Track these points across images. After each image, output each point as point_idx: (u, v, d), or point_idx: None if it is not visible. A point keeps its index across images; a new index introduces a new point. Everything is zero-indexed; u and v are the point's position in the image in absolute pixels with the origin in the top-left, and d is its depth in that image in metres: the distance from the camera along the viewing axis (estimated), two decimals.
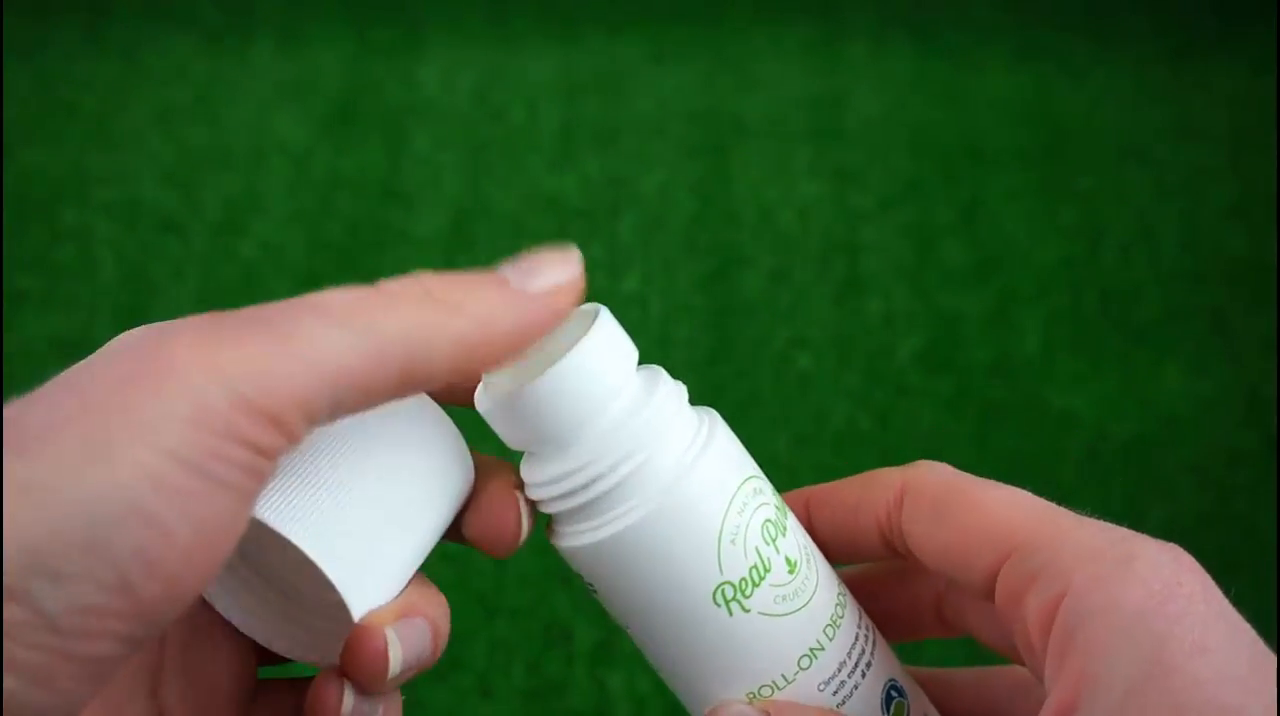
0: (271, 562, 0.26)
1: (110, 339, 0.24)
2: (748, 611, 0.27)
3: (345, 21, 0.84)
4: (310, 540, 0.23)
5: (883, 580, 0.31)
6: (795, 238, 0.74)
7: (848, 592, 0.29)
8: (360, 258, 0.73)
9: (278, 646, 0.27)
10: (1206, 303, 0.71)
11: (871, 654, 0.28)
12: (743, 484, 0.28)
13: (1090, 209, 0.76)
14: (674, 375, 0.29)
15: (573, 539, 0.28)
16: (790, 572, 0.28)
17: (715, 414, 0.29)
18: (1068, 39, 0.84)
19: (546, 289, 0.25)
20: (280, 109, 0.80)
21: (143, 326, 0.22)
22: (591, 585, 0.28)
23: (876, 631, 0.29)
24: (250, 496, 0.21)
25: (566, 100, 0.80)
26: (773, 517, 0.28)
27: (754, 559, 0.27)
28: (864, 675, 0.28)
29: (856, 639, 0.28)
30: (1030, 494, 0.27)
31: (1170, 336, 0.70)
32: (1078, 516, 0.26)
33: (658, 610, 0.28)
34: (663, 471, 0.27)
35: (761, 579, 0.27)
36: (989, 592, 0.26)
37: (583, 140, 0.78)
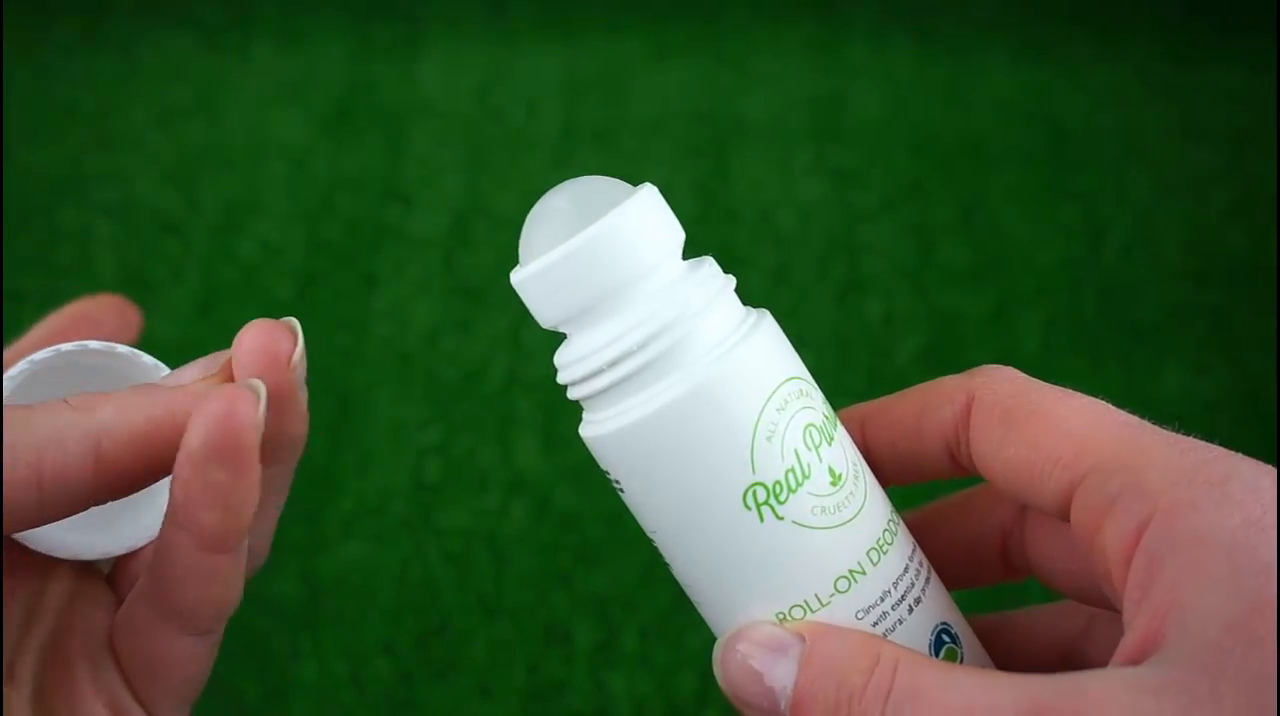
0: None
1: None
2: (781, 518, 0.25)
3: (345, 21, 0.84)
4: None
5: (943, 516, 0.29)
6: (795, 238, 0.74)
7: (901, 524, 0.27)
8: (360, 257, 0.73)
9: (101, 549, 0.28)
10: (1207, 303, 0.71)
11: (923, 590, 0.26)
12: (786, 382, 0.26)
13: (1090, 209, 0.76)
14: None
15: (600, 426, 0.26)
16: (833, 484, 0.25)
17: (768, 314, 0.27)
18: (1069, 39, 0.84)
19: (185, 379, 0.26)
20: (280, 109, 0.80)
21: None
22: (618, 482, 0.26)
23: (933, 572, 0.27)
24: None
25: (566, 100, 0.80)
26: (818, 423, 0.26)
27: (791, 461, 0.25)
28: (910, 610, 0.26)
29: (905, 570, 0.26)
30: (1109, 405, 0.24)
31: (1171, 337, 0.70)
32: (1163, 432, 0.24)
33: (685, 510, 0.25)
34: (699, 352, 0.25)
35: (799, 485, 0.25)
36: (1064, 514, 0.24)
37: (583, 140, 0.78)
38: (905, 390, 0.28)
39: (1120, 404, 0.25)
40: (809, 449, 0.25)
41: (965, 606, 0.28)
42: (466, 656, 0.59)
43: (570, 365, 0.26)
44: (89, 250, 0.73)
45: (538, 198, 0.28)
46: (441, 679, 0.58)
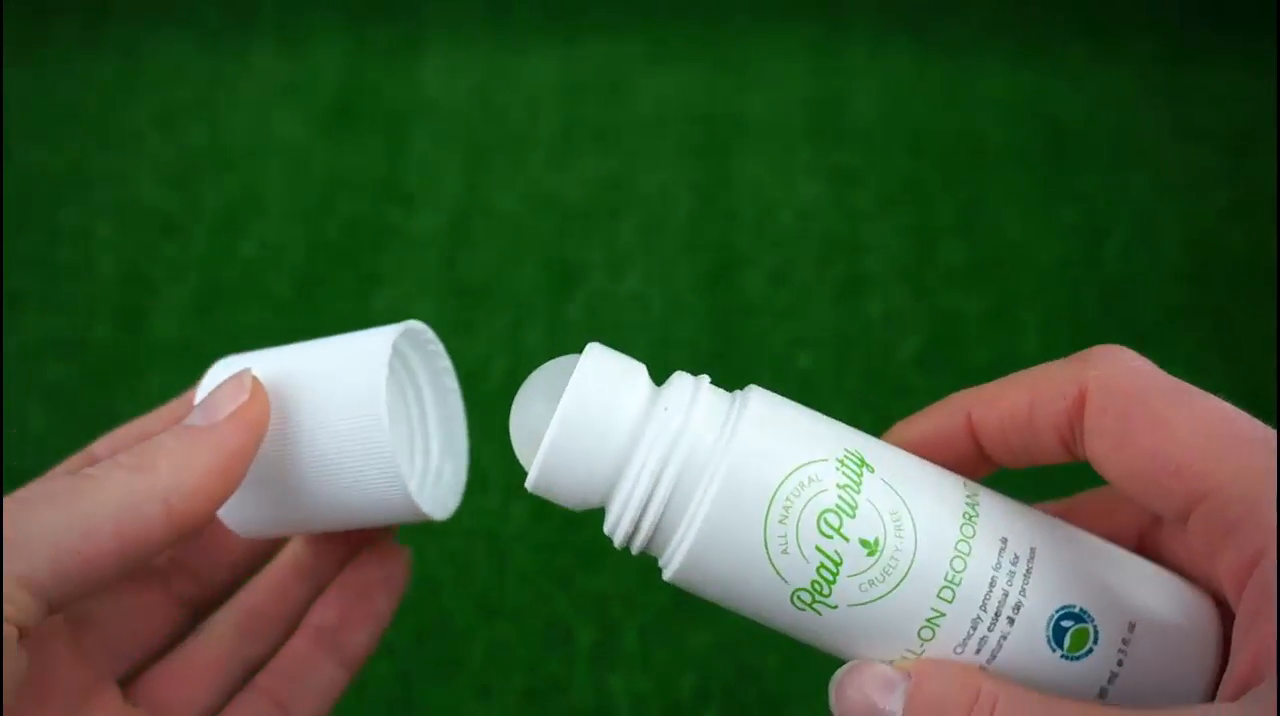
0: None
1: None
2: (835, 607, 0.25)
3: (345, 21, 0.84)
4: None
5: (1083, 513, 0.28)
6: (795, 238, 0.74)
7: (977, 522, 0.26)
8: (360, 257, 0.73)
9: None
10: (1207, 303, 0.71)
11: (1022, 592, 0.25)
12: (782, 483, 0.25)
13: (1090, 209, 0.76)
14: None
15: (672, 564, 0.27)
16: (871, 555, 0.25)
17: (754, 393, 0.27)
18: (1068, 39, 0.84)
19: (227, 414, 0.27)
20: (280, 109, 0.80)
21: None
22: (717, 602, 0.27)
23: (1038, 555, 0.26)
24: (12, 642, 0.24)
25: (566, 100, 0.80)
26: (832, 506, 0.25)
27: (818, 559, 0.25)
28: (1012, 621, 0.25)
29: (992, 584, 0.25)
30: (1230, 410, 0.23)
31: (1171, 337, 0.70)
32: None
33: (765, 614, 0.26)
34: (693, 503, 0.26)
35: (835, 576, 0.25)
36: (1183, 522, 0.23)
37: (583, 140, 0.78)
38: (1014, 376, 0.27)
39: None
40: (830, 537, 0.25)
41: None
42: (466, 656, 0.59)
43: (615, 530, 0.27)
44: (89, 250, 0.73)
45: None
46: (441, 679, 0.58)
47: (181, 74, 0.82)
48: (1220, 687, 0.22)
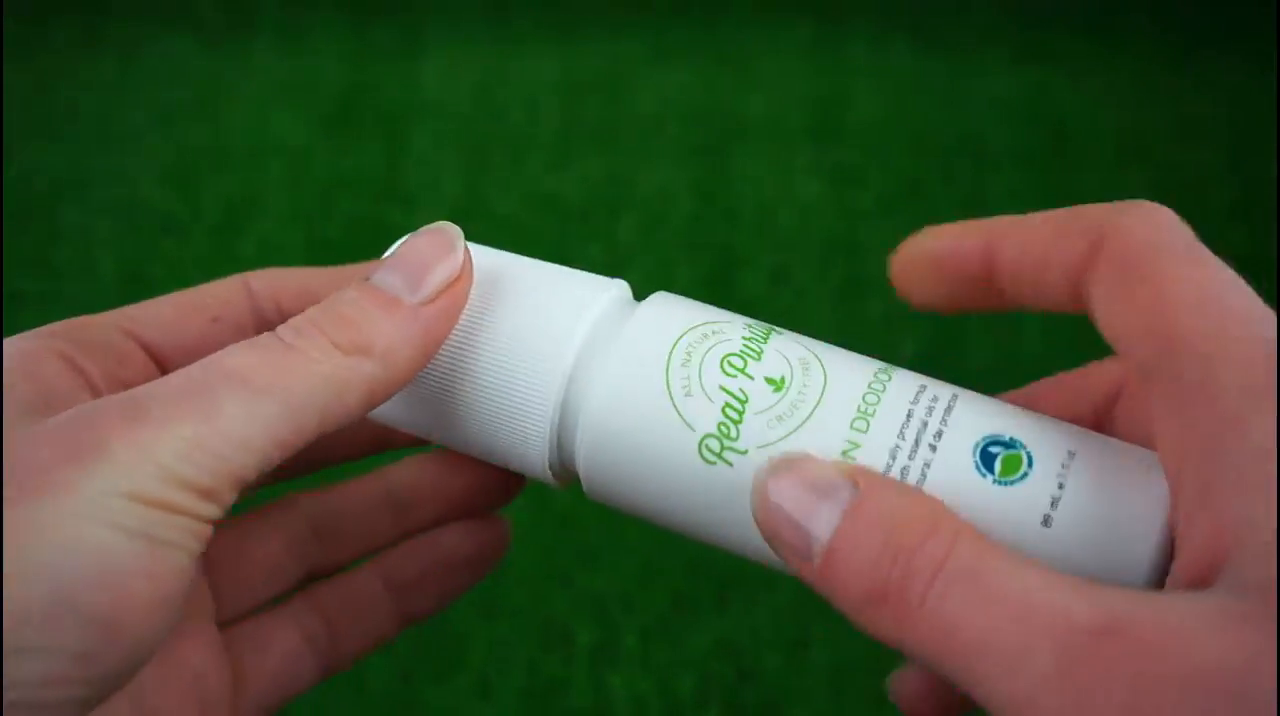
0: None
1: None
2: (745, 453, 0.24)
3: (345, 21, 0.84)
4: None
5: (1038, 401, 0.27)
6: (795, 238, 0.74)
7: (898, 371, 0.25)
8: (360, 257, 0.73)
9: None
10: None
11: (943, 421, 0.24)
12: (683, 335, 0.25)
13: None
14: None
15: (578, 461, 0.26)
16: (777, 391, 0.24)
17: (658, 298, 0.27)
18: (1068, 39, 0.84)
19: (436, 291, 0.25)
20: (280, 109, 0.80)
21: (69, 412, 0.22)
22: (619, 509, 0.26)
23: (960, 398, 0.25)
24: (195, 556, 0.22)
25: (566, 100, 0.80)
26: (737, 350, 0.25)
27: (723, 398, 0.24)
28: (934, 448, 0.23)
29: (910, 416, 0.24)
30: (1233, 284, 0.22)
31: None
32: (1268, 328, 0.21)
33: (677, 499, 0.25)
34: (594, 371, 0.26)
35: (741, 414, 0.24)
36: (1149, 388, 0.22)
37: (583, 140, 0.78)
38: (1046, 212, 0.25)
39: None
40: (733, 376, 0.25)
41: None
42: (466, 656, 0.59)
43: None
44: (89, 250, 0.73)
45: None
46: (441, 679, 0.58)
47: (181, 74, 0.82)
48: (1178, 571, 0.20)
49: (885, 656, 0.26)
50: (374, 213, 0.75)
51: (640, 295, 0.30)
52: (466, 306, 0.26)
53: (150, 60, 0.83)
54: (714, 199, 0.75)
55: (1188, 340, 0.21)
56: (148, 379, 0.24)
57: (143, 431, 0.21)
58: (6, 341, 0.25)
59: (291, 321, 0.24)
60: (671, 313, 0.26)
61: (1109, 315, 0.23)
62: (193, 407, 0.21)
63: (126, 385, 0.26)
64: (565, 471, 0.28)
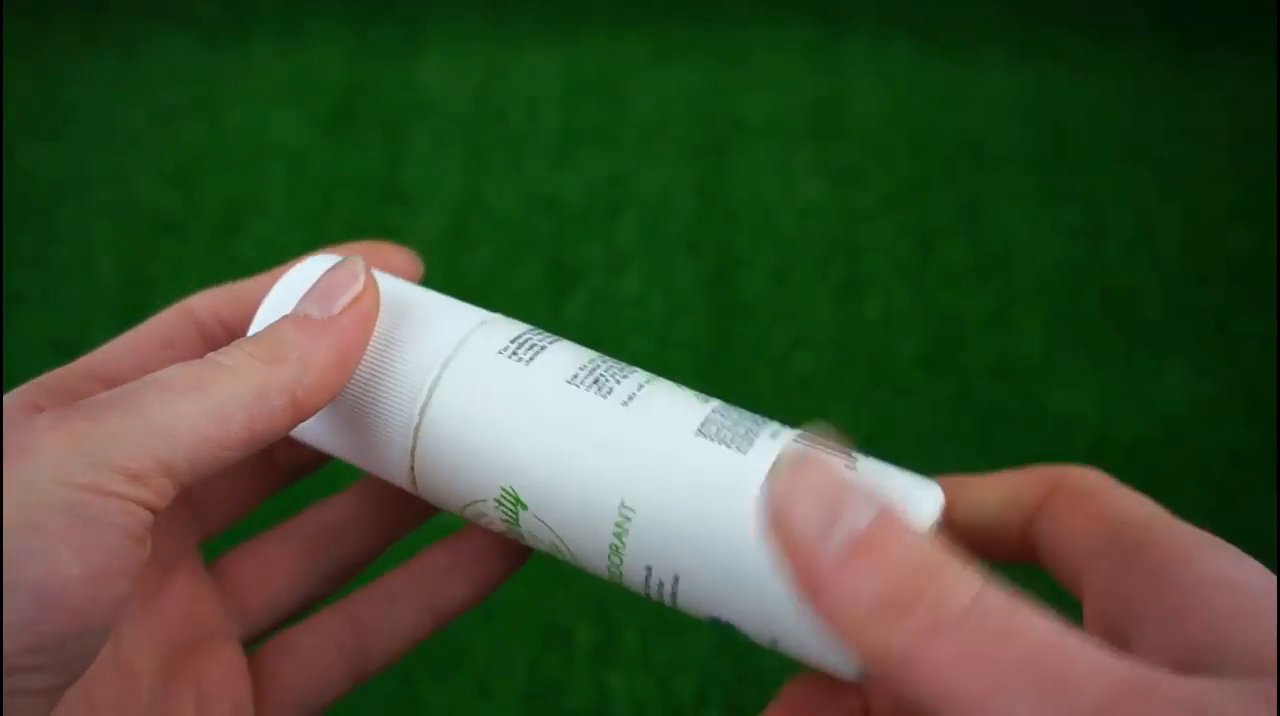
0: None
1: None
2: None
3: (345, 21, 0.84)
4: None
5: (969, 485, 0.28)
6: (795, 238, 0.74)
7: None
8: None
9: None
10: (1208, 303, 0.71)
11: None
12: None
13: (1090, 209, 0.76)
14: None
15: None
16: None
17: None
18: (1068, 38, 0.84)
19: (344, 305, 0.27)
20: (280, 109, 0.80)
21: (9, 408, 0.25)
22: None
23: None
24: (134, 535, 0.23)
25: (566, 100, 0.80)
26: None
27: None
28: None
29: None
30: (1256, 570, 0.23)
31: (1172, 337, 0.70)
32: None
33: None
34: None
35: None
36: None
37: (583, 140, 0.78)
38: (995, 473, 0.27)
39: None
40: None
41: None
42: (466, 656, 0.59)
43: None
44: (89, 250, 0.73)
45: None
46: (441, 679, 0.58)
47: (181, 73, 0.82)
48: (1156, 657, 0.21)
49: None
50: (374, 213, 0.75)
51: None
52: (376, 331, 0.29)
53: (150, 59, 0.83)
54: (714, 199, 0.75)
55: (1132, 518, 0.24)
56: None
57: (73, 426, 0.23)
58: None
59: (221, 348, 0.26)
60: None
61: (1062, 528, 0.25)
62: (119, 409, 0.24)
63: None
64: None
